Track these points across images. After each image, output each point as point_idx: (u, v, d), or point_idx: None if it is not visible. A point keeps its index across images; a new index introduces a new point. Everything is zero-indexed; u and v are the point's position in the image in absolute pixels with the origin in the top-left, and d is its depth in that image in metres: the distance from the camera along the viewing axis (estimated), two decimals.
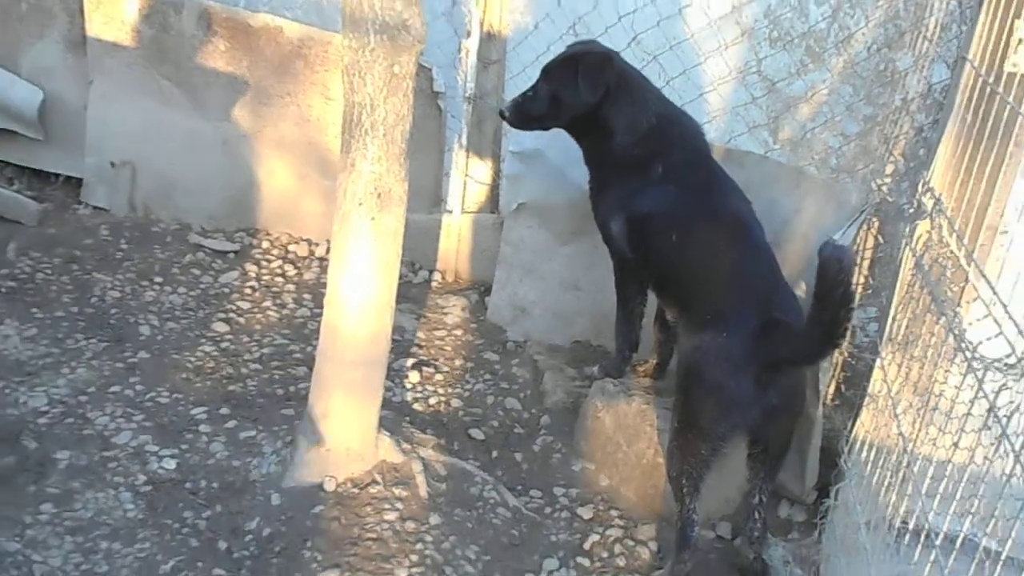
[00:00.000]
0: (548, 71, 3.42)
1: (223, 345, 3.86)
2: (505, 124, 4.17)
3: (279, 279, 4.32)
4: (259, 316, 4.08)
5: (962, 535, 2.20)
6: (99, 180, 4.64)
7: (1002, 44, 2.80)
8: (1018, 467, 1.95)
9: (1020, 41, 2.86)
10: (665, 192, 3.26)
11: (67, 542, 2.87)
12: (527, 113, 3.46)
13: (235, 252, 4.44)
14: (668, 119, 3.36)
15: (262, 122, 4.46)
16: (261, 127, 4.47)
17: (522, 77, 4.07)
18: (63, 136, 4.70)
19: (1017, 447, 1.96)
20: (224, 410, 3.46)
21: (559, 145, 3.91)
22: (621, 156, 3.33)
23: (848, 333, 2.80)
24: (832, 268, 2.61)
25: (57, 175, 4.79)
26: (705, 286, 3.14)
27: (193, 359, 3.74)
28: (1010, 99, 2.51)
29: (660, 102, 3.38)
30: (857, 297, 3.56)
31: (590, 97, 3.31)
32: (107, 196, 4.64)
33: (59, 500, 3.01)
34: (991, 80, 2.64)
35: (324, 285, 3.07)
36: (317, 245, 4.50)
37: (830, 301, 2.66)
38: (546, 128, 3.52)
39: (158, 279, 4.19)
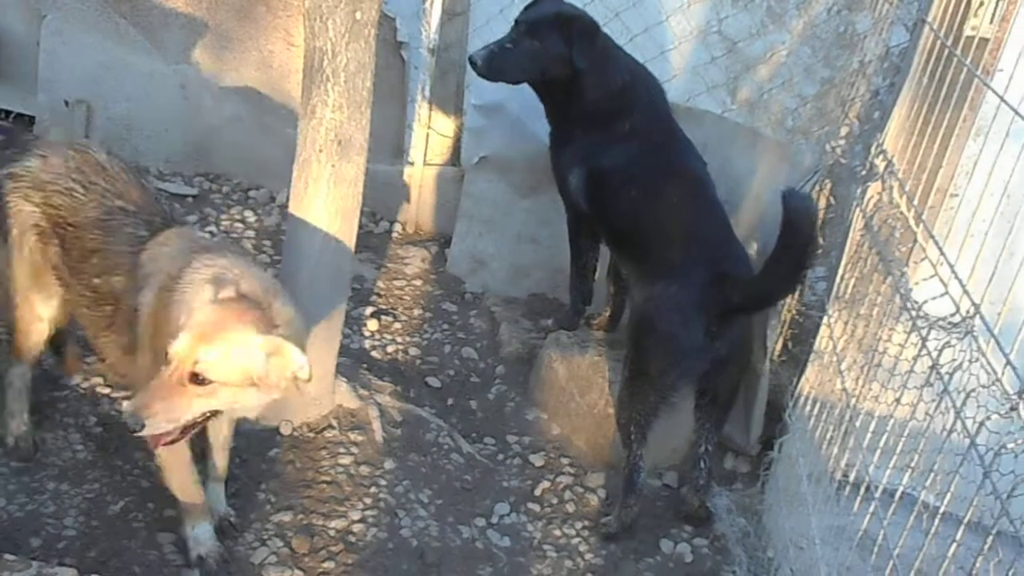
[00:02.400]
0: (533, 27, 3.31)
1: None
2: (468, 76, 4.18)
3: (239, 225, 4.29)
4: None
5: (901, 489, 2.28)
6: (52, 119, 4.55)
7: (962, 7, 2.84)
8: (958, 423, 2.02)
9: (981, 4, 2.91)
10: (628, 149, 3.30)
11: (12, 483, 2.85)
12: (502, 66, 3.35)
13: (194, 196, 4.39)
14: (637, 79, 3.39)
15: (222, 66, 4.40)
16: (221, 71, 4.40)
17: (486, 29, 4.05)
18: (14, 72, 4.59)
19: (958, 404, 2.03)
20: None
21: (521, 99, 3.91)
22: (589, 112, 3.34)
23: (804, 280, 2.86)
24: (801, 216, 2.69)
25: (8, 112, 4.69)
26: (660, 240, 3.20)
27: None
28: (968, 62, 2.56)
29: (629, 62, 3.41)
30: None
31: (584, 64, 3.27)
32: (61, 135, 4.55)
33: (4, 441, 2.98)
34: (950, 43, 2.69)
35: (284, 232, 3.06)
36: (278, 192, 4.48)
37: (795, 246, 2.73)
38: (514, 83, 3.45)
39: None
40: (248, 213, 4.38)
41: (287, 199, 3.04)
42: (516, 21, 3.38)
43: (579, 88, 3.33)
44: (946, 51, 2.68)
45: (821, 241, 3.68)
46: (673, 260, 3.11)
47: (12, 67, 4.57)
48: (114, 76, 4.45)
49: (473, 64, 3.36)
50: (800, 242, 2.73)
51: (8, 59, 4.55)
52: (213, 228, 4.23)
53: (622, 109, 3.33)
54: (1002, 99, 2.15)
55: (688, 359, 3.07)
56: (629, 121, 3.32)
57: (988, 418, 1.92)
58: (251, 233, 4.25)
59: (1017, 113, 2.07)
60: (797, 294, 3.74)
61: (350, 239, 3.04)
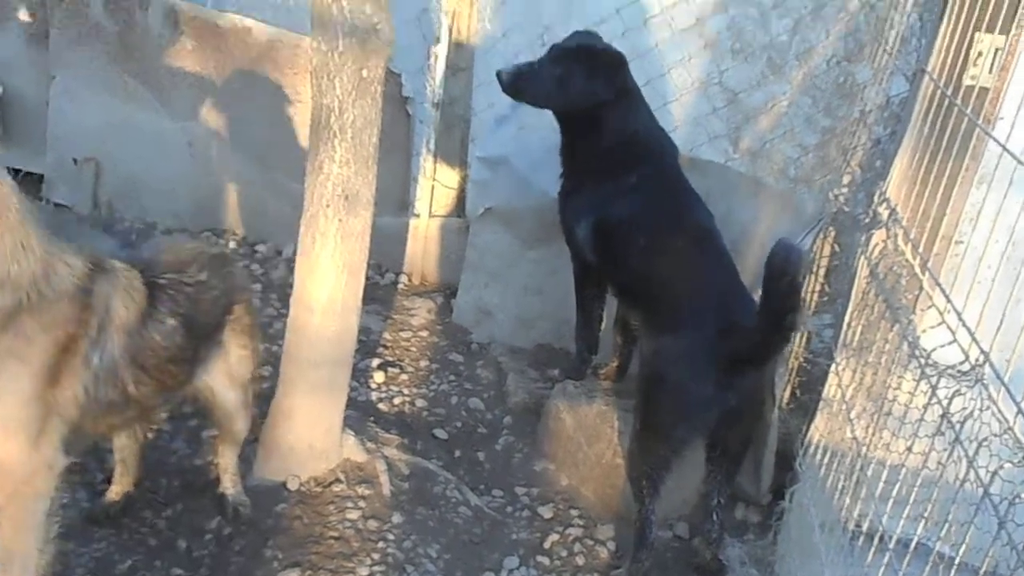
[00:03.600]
0: (560, 54, 3.36)
1: None
2: (473, 130, 4.22)
3: None
4: None
5: (915, 539, 2.26)
6: (61, 177, 4.61)
7: (961, 57, 2.88)
8: (971, 472, 2.00)
9: (980, 54, 2.95)
10: (637, 200, 3.32)
11: None
12: (525, 85, 3.38)
13: None
14: (651, 132, 3.43)
15: (229, 123, 4.45)
16: (228, 128, 4.45)
17: (490, 85, 4.09)
18: (23, 131, 4.66)
19: (970, 452, 2.02)
20: (186, 408, 3.44)
21: (525, 152, 3.96)
22: (600, 159, 3.38)
23: (795, 327, 2.85)
24: (778, 260, 2.69)
25: (17, 171, 4.73)
26: (668, 291, 3.20)
27: None
28: (968, 111, 2.58)
29: (646, 114, 3.45)
30: (811, 299, 3.66)
31: (608, 95, 3.31)
32: (70, 193, 4.61)
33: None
34: (950, 93, 2.71)
35: (290, 285, 3.07)
36: (284, 246, 4.51)
37: (775, 293, 2.74)
38: (536, 106, 3.47)
39: None
40: (255, 266, 4.40)
41: (293, 252, 3.06)
42: (549, 48, 3.44)
43: (600, 126, 3.36)
44: (946, 100, 2.71)
45: (825, 289, 3.70)
46: (682, 311, 3.12)
47: (21, 126, 4.63)
48: (122, 134, 4.51)
49: (499, 78, 3.40)
50: (779, 291, 2.73)
51: (17, 119, 4.62)
52: None
53: (632, 160, 3.36)
54: (1004, 148, 2.17)
55: (699, 413, 3.06)
56: (637, 172, 3.34)
57: (1001, 467, 1.91)
58: (257, 287, 4.26)
59: (1020, 162, 2.08)
60: (804, 341, 3.74)
61: (357, 292, 3.05)
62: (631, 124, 3.37)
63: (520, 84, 3.39)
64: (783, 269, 2.70)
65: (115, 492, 2.95)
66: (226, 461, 3.02)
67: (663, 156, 3.42)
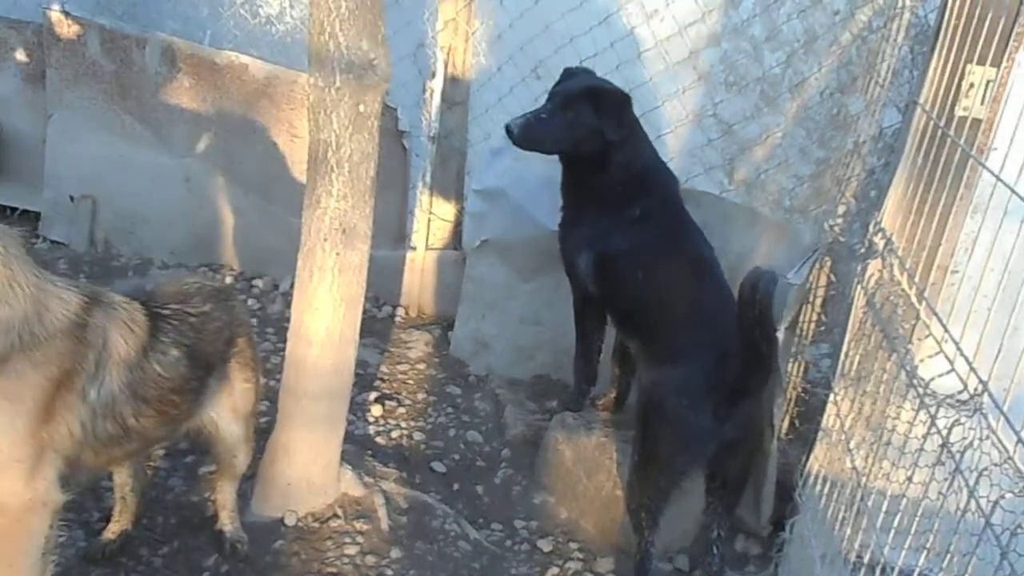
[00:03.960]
0: (566, 99, 3.37)
1: None
2: (469, 163, 4.24)
3: None
4: None
5: (917, 570, 2.24)
6: (57, 214, 4.61)
7: (953, 89, 2.90)
8: (972, 502, 2.00)
9: (972, 86, 2.97)
10: (639, 232, 3.33)
11: None
12: (536, 135, 3.38)
13: None
14: (654, 166, 3.45)
15: (227, 159, 4.47)
16: (226, 164, 4.47)
17: (485, 118, 4.14)
18: (20, 169, 4.68)
19: (971, 482, 2.01)
20: (183, 445, 3.42)
21: (521, 183, 3.98)
22: (604, 192, 3.39)
23: (772, 355, 2.85)
24: (748, 288, 2.70)
25: (13, 209, 4.75)
26: (667, 322, 3.21)
27: None
28: (961, 142, 2.60)
29: (651, 149, 3.48)
30: (808, 329, 3.66)
31: (614, 136, 3.33)
32: (66, 230, 4.61)
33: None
34: (942, 124, 2.73)
35: (288, 319, 3.06)
36: (281, 280, 4.51)
37: (749, 321, 2.74)
38: (548, 152, 3.48)
39: None
40: (252, 301, 4.40)
41: (291, 286, 3.06)
42: (550, 93, 3.45)
43: (606, 164, 3.37)
44: (939, 131, 2.73)
45: (822, 319, 3.70)
46: (680, 342, 3.12)
47: (18, 164, 4.66)
48: (119, 171, 4.53)
49: (509, 132, 3.38)
50: (751, 319, 2.74)
51: (15, 157, 4.64)
52: None
53: (635, 193, 3.37)
54: (998, 178, 2.18)
55: (697, 443, 3.05)
56: (640, 205, 3.36)
57: (1002, 497, 1.90)
58: (254, 321, 4.26)
59: (1014, 192, 2.09)
60: (802, 371, 3.74)
61: (354, 326, 3.05)
62: (636, 160, 3.39)
63: (531, 134, 3.38)
64: (751, 298, 2.70)
65: (112, 531, 2.93)
66: (224, 497, 3.00)
67: (665, 189, 3.44)
